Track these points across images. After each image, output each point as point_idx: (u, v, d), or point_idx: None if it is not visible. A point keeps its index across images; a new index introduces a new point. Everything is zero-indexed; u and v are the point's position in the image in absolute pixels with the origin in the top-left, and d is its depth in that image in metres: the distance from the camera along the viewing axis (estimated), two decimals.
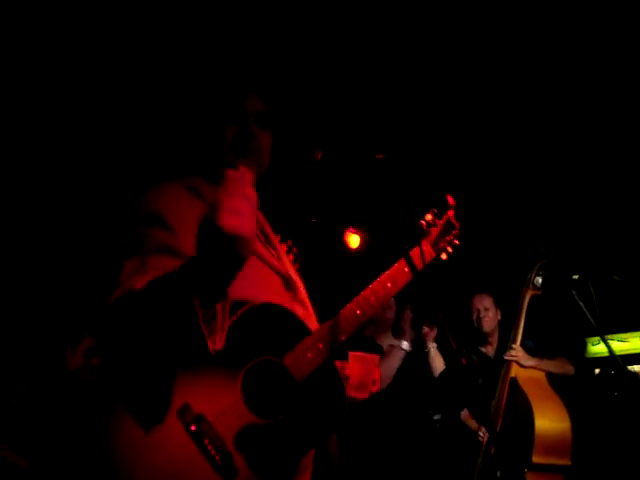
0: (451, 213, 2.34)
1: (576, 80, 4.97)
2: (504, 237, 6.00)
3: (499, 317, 4.58)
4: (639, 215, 5.99)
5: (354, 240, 6.68)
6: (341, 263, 6.48)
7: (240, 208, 1.52)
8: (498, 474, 3.66)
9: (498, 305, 4.61)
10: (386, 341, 4.53)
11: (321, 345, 1.86)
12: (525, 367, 4.06)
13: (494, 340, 4.53)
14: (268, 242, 2.16)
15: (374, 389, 2.14)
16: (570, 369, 4.33)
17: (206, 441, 1.66)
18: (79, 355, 4.52)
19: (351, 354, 2.13)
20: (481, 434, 3.98)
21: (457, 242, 2.35)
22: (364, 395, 2.09)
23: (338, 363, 2.25)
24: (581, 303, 3.18)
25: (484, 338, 4.54)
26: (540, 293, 4.08)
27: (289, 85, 4.53)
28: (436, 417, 4.65)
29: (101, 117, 5.00)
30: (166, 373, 1.71)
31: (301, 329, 1.87)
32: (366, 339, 4.52)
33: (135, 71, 4.70)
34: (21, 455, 4.07)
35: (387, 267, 2.10)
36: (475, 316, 4.54)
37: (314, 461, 1.92)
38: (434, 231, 2.30)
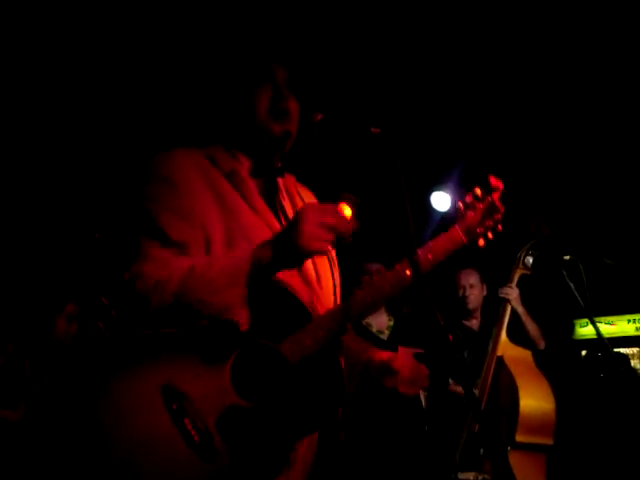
0: (496, 196, 2.05)
1: (571, 62, 4.97)
2: None
3: (485, 292, 4.59)
4: (634, 199, 5.98)
5: (347, 213, 6.48)
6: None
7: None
8: (481, 452, 3.67)
9: (484, 280, 4.60)
10: (376, 320, 4.49)
11: (321, 333, 1.76)
12: (514, 307, 4.06)
13: (478, 315, 4.56)
14: None
15: (425, 384, 2.01)
16: (542, 342, 4.36)
17: (186, 420, 1.66)
18: (62, 320, 4.54)
19: (401, 349, 2.02)
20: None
21: (500, 228, 2.06)
22: (415, 391, 1.98)
23: (385, 355, 2.10)
24: (571, 284, 3.16)
25: (468, 313, 4.57)
26: (530, 273, 4.07)
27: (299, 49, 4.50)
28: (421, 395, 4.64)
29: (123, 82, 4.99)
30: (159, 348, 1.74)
31: (303, 314, 1.79)
32: None
33: (157, 39, 4.73)
34: (9, 410, 4.12)
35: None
36: (461, 293, 4.55)
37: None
38: (471, 215, 2.04)
